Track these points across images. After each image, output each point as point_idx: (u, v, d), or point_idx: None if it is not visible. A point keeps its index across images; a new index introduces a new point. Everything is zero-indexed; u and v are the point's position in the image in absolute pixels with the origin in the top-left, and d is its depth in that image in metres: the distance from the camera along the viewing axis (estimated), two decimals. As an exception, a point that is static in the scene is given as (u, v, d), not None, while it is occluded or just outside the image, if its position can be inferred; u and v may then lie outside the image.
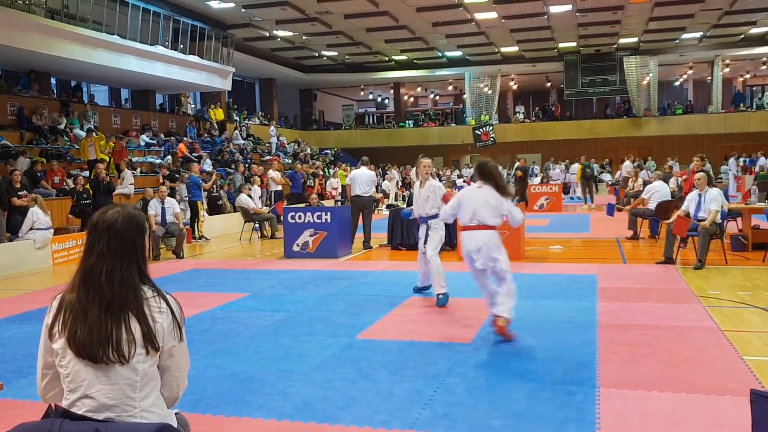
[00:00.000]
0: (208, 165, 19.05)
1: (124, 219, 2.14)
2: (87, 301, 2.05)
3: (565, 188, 23.18)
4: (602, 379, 4.46)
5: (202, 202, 15.18)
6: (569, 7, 22.43)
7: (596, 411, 3.90)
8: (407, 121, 35.52)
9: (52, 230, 11.33)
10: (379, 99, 42.94)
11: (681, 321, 6.00)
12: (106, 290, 2.05)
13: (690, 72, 34.27)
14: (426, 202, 7.23)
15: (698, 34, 27.80)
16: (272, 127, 27.77)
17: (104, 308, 2.03)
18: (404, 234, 11.70)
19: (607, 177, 27.89)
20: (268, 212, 15.21)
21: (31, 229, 10.97)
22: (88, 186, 13.06)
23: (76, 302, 2.06)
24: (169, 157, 18.23)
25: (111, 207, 2.20)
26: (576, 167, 24.14)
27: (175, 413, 2.24)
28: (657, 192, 11.77)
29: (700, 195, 9.17)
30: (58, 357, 2.06)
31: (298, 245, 11.14)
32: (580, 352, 5.10)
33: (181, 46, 20.44)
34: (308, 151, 29.11)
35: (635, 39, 28.64)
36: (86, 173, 14.45)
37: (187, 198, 14.84)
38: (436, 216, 7.06)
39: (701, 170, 10.31)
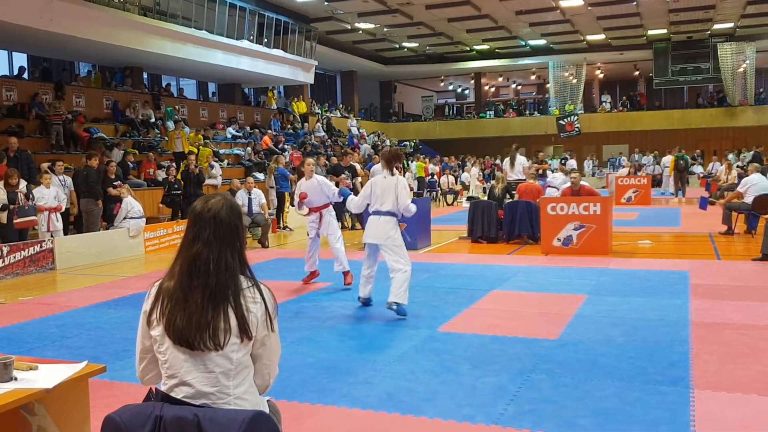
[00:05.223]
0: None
1: (228, 207, 2.16)
2: (189, 289, 2.07)
3: (655, 180, 22.17)
4: (696, 379, 4.26)
5: (290, 193, 15.44)
6: (660, -8, 21.59)
7: (691, 413, 3.73)
8: (488, 112, 35.08)
9: (144, 219, 11.83)
10: (459, 90, 42.60)
11: (782, 321, 5.67)
12: (212, 278, 2.07)
13: (793, 58, 32.30)
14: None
15: (803, 17, 26.16)
16: (352, 120, 28.01)
17: (207, 296, 2.06)
18: (485, 227, 11.55)
19: (698, 169, 26.71)
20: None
21: (125, 218, 11.49)
22: (179, 177, 13.54)
23: (178, 290, 2.09)
24: (249, 149, 18.57)
25: (211, 196, 2.21)
26: (668, 159, 23.07)
27: (267, 400, 2.28)
28: (754, 185, 11.15)
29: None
30: (157, 343, 2.11)
31: (378, 236, 11.14)
32: (672, 351, 4.89)
33: (266, 40, 20.90)
34: (387, 143, 29.21)
35: (731, 24, 27.23)
36: (174, 164, 14.97)
37: (274, 188, 15.14)
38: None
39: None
